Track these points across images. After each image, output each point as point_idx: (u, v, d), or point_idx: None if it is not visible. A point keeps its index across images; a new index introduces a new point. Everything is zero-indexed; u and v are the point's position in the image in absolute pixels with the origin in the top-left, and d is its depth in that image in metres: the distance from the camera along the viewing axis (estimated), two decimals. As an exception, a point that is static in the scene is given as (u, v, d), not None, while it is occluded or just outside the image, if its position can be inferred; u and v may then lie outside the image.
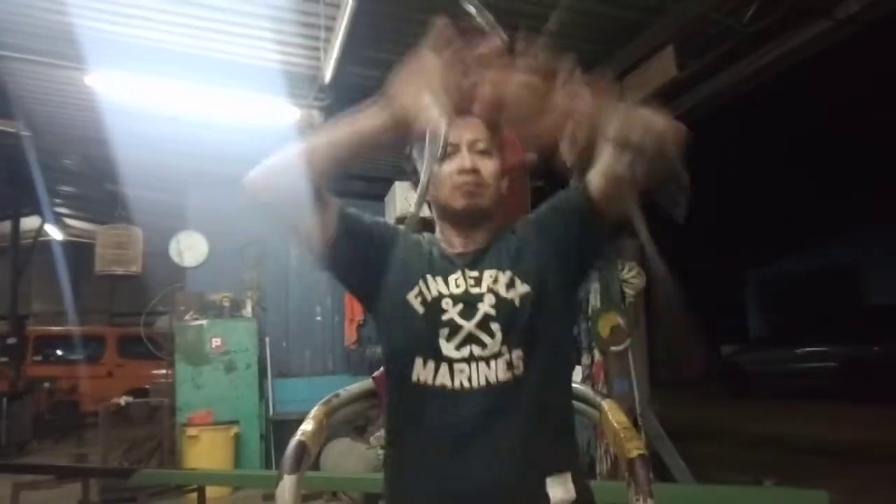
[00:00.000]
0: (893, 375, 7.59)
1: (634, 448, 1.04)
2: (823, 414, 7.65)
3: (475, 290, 1.06)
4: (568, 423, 1.10)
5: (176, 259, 5.76)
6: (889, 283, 10.49)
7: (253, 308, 5.57)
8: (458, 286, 1.07)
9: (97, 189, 6.64)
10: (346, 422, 1.27)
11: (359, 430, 4.60)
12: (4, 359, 8.24)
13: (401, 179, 5.47)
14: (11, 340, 8.34)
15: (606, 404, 1.16)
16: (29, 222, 8.85)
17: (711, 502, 2.48)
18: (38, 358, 10.32)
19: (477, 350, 1.01)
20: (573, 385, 1.22)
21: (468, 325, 1.02)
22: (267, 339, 5.67)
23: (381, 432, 4.47)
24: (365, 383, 1.28)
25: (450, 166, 1.09)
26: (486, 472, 0.98)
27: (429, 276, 1.07)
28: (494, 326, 1.02)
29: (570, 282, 1.13)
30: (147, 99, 4.19)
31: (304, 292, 6.12)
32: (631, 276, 3.43)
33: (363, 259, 1.11)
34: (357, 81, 3.97)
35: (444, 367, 1.01)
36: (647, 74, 3.34)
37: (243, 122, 4.60)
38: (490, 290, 1.05)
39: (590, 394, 1.22)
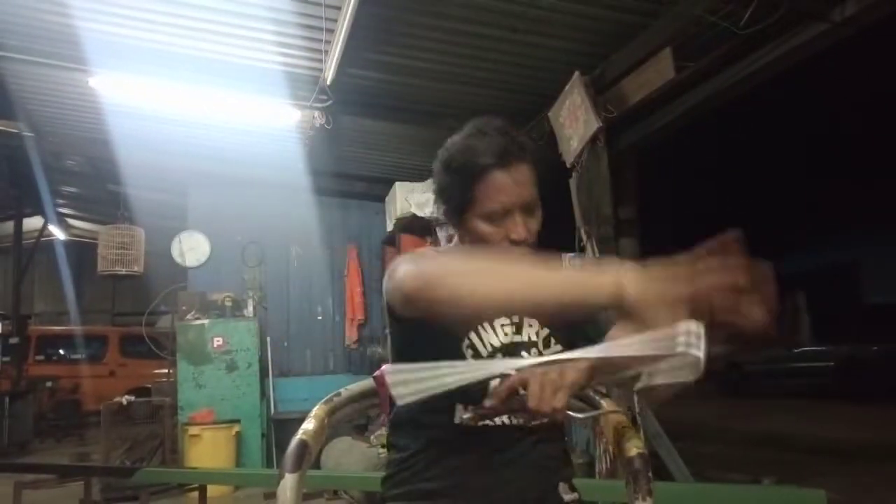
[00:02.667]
0: (892, 375, 7.61)
1: (633, 447, 1.05)
2: (822, 413, 7.66)
3: (518, 339, 1.06)
4: (563, 434, 1.16)
5: (178, 259, 5.79)
6: (888, 283, 10.50)
7: (254, 308, 5.60)
8: (505, 335, 1.06)
9: (99, 189, 6.66)
10: (347, 421, 1.28)
11: (360, 429, 4.63)
12: (7, 358, 8.25)
13: (401, 180, 5.50)
14: (14, 340, 8.36)
15: (605, 403, 1.17)
16: (32, 222, 8.88)
17: (710, 501, 2.49)
18: (41, 357, 10.33)
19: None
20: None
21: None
22: (268, 339, 5.70)
23: (382, 431, 4.50)
24: (366, 382, 1.29)
25: (498, 231, 1.02)
26: (513, 483, 1.02)
27: (479, 326, 1.05)
28: None
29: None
30: (149, 100, 4.20)
31: (304, 292, 6.14)
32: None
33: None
34: (358, 83, 3.99)
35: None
36: (645, 76, 3.35)
37: (245, 124, 4.62)
38: (533, 344, 1.06)
39: (589, 394, 1.22)
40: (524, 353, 1.04)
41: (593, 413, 1.13)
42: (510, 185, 1.01)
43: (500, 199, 1.00)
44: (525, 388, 0.85)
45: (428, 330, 0.92)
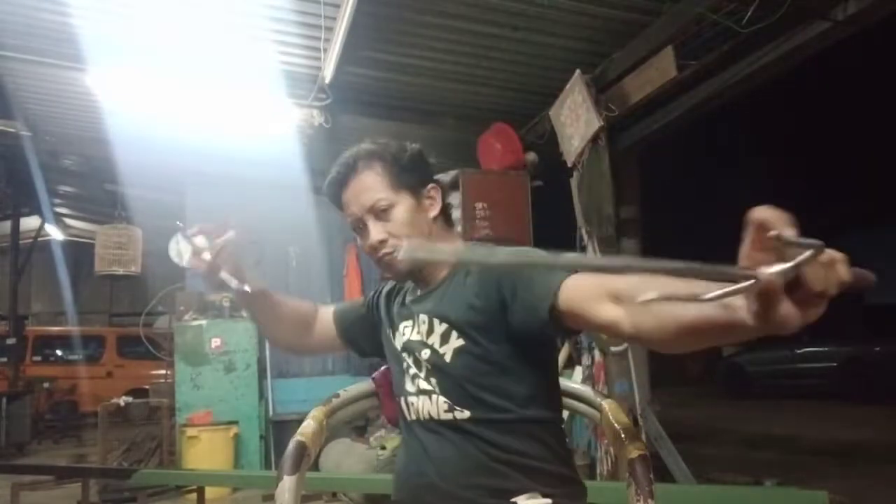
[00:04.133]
0: (894, 375, 7.59)
1: (635, 448, 1.04)
2: (824, 414, 7.65)
3: (415, 338, 1.10)
4: (531, 454, 1.02)
5: (175, 259, 5.71)
6: (889, 283, 10.48)
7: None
8: (403, 334, 1.13)
9: (97, 189, 6.64)
10: (345, 422, 1.28)
11: (359, 431, 4.60)
12: (4, 359, 8.24)
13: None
14: (11, 340, 8.33)
15: (607, 405, 1.16)
16: (29, 222, 8.85)
17: (712, 502, 2.48)
18: (38, 358, 10.32)
19: (424, 385, 1.08)
20: (574, 386, 1.22)
21: (421, 378, 1.08)
22: (266, 340, 5.67)
23: (381, 432, 4.48)
24: (364, 384, 1.28)
25: (365, 243, 1.09)
26: (440, 483, 1.03)
27: (390, 331, 1.17)
28: (433, 381, 1.06)
29: (519, 338, 1.00)
30: (147, 99, 4.19)
31: (304, 292, 6.10)
32: (631, 277, 3.43)
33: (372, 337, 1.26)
34: (357, 82, 3.97)
35: (406, 401, 1.12)
36: (647, 75, 3.34)
37: (243, 123, 4.60)
38: (422, 343, 1.08)
39: (590, 394, 1.22)
40: (420, 355, 1.08)
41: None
42: (349, 197, 1.08)
43: (348, 212, 1.10)
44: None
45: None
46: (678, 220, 9.60)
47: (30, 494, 4.03)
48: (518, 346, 1.01)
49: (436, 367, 1.06)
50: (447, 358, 1.04)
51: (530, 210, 4.18)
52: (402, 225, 1.05)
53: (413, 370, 1.10)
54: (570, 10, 3.24)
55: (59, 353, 10.69)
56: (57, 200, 8.09)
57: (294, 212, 5.98)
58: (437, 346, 1.06)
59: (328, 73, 3.74)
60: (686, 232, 10.37)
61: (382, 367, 1.25)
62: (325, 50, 3.58)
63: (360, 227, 1.09)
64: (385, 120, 4.53)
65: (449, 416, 1.03)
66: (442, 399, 1.04)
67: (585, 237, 3.52)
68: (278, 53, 3.76)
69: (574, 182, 3.69)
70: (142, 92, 4.06)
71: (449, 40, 3.52)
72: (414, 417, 1.09)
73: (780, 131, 7.81)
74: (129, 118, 4.57)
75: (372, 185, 1.06)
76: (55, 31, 3.55)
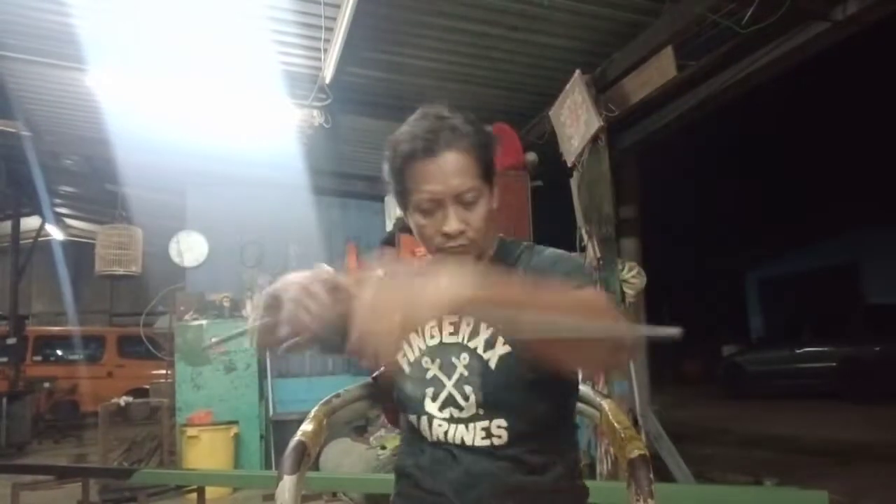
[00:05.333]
0: (894, 375, 7.59)
1: (635, 448, 1.03)
2: (824, 414, 7.65)
3: (450, 340, 1.00)
4: (558, 473, 0.99)
5: (176, 259, 5.77)
6: (889, 283, 10.48)
7: (253, 308, 5.57)
8: (432, 336, 1.02)
9: (97, 189, 6.64)
10: (346, 422, 1.27)
11: (359, 431, 4.61)
12: (4, 359, 8.24)
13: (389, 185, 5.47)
14: (11, 340, 8.33)
15: (607, 405, 1.15)
16: (29, 222, 8.85)
17: (712, 503, 2.48)
18: (38, 358, 10.33)
19: (455, 412, 0.98)
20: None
21: (449, 385, 0.98)
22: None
23: (381, 432, 4.48)
24: (365, 383, 1.28)
25: (432, 225, 0.96)
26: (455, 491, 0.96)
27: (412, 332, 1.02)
28: (468, 390, 0.97)
29: None
30: (147, 99, 4.19)
31: (304, 292, 6.11)
32: (631, 277, 3.43)
33: None
34: (357, 82, 3.98)
35: (432, 423, 1.00)
36: (646, 75, 3.34)
37: (243, 123, 4.60)
38: (464, 346, 0.99)
39: (590, 394, 1.21)
40: (456, 361, 0.99)
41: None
42: (437, 173, 0.93)
43: (427, 188, 0.94)
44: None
45: None
46: (677, 219, 9.60)
47: (30, 494, 4.03)
48: None
49: (474, 374, 0.97)
50: (492, 364, 0.97)
51: (530, 210, 4.18)
52: (480, 219, 0.97)
53: (438, 378, 1.00)
54: (570, 10, 3.25)
55: (59, 353, 10.70)
56: (57, 201, 8.09)
57: (294, 211, 5.99)
58: (480, 350, 0.98)
59: (328, 74, 3.75)
60: (685, 232, 10.39)
61: (383, 367, 1.25)
62: (326, 50, 3.59)
63: (430, 206, 0.95)
64: (385, 120, 4.53)
65: (486, 442, 0.96)
66: (480, 426, 0.96)
67: (585, 237, 3.52)
68: (278, 54, 3.77)
69: (574, 182, 3.69)
70: (143, 92, 4.06)
71: (449, 40, 3.53)
72: (436, 440, 1.00)
73: (780, 131, 7.80)
74: (129, 119, 4.57)
75: (466, 170, 0.95)
76: (56, 31, 3.55)
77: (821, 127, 7.35)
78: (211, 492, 4.11)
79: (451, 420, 0.98)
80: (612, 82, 3.57)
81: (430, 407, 1.00)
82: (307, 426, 1.10)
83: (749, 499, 2.59)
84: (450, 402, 0.98)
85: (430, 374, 1.01)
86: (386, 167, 1.01)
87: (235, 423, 4.90)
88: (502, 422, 0.96)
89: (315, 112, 4.07)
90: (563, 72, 3.61)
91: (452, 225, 0.94)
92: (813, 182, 8.97)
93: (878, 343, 8.28)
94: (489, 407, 0.96)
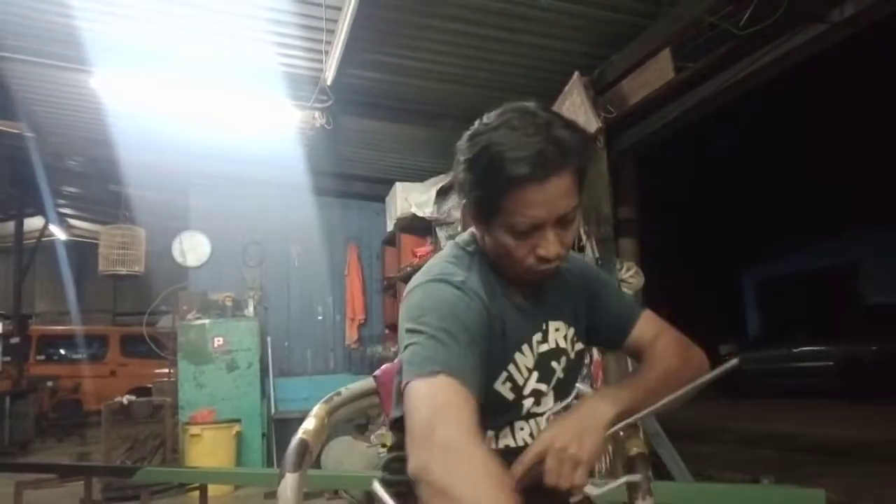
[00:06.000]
0: (890, 374, 7.61)
1: (633, 446, 1.06)
2: (821, 413, 7.66)
3: (545, 348, 1.00)
4: None
5: (179, 259, 5.80)
6: (886, 283, 10.49)
7: (255, 307, 5.61)
8: (541, 344, 1.00)
9: (101, 190, 6.67)
10: (347, 420, 1.28)
11: (360, 429, 4.64)
12: (7, 358, 8.27)
13: (401, 180, 5.50)
14: (15, 340, 8.37)
15: None
16: (33, 223, 8.89)
17: (710, 501, 2.50)
18: (42, 357, 10.36)
19: (537, 409, 1.01)
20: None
21: (548, 391, 1.01)
22: (269, 339, 5.70)
23: (382, 430, 4.51)
24: (366, 382, 1.29)
25: (525, 247, 0.90)
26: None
27: (515, 356, 0.96)
28: (555, 393, 1.02)
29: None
30: (150, 100, 4.21)
31: (305, 292, 6.15)
32: (629, 276, 3.46)
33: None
34: (358, 83, 4.00)
35: (511, 428, 0.99)
36: (644, 77, 3.36)
37: (245, 124, 4.63)
38: (561, 350, 1.02)
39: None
40: (554, 365, 1.01)
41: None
42: (544, 200, 0.86)
43: (531, 214, 0.87)
44: (542, 462, 0.84)
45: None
46: (676, 220, 9.61)
47: (33, 492, 4.04)
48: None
49: (568, 376, 1.02)
50: (576, 363, 1.04)
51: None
52: (570, 238, 0.93)
53: (537, 387, 0.98)
54: (568, 13, 3.26)
55: (62, 352, 10.73)
56: (61, 201, 8.12)
57: (296, 212, 6.03)
58: (570, 352, 1.03)
59: (329, 75, 3.77)
60: (683, 233, 10.39)
61: (384, 366, 1.27)
62: (327, 52, 3.61)
63: (528, 230, 0.88)
64: (386, 121, 4.57)
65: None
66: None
67: (584, 238, 3.55)
68: (280, 55, 3.79)
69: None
70: (146, 94, 4.09)
71: (449, 42, 3.55)
72: (522, 444, 0.97)
73: (778, 132, 7.81)
74: (132, 120, 4.59)
75: (571, 192, 0.88)
76: (60, 33, 3.57)
77: (819, 127, 7.36)
78: (213, 490, 4.12)
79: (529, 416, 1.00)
80: (611, 84, 3.59)
81: (525, 410, 0.99)
82: (309, 424, 1.10)
83: (747, 497, 2.60)
84: (542, 400, 1.02)
85: (528, 390, 0.98)
86: (470, 175, 0.90)
87: (238, 421, 4.92)
88: (561, 405, 1.03)
89: (316, 113, 4.10)
90: (561, 74, 3.63)
91: (553, 249, 0.90)
92: (811, 182, 8.97)
93: (876, 342, 8.30)
94: (560, 395, 1.03)
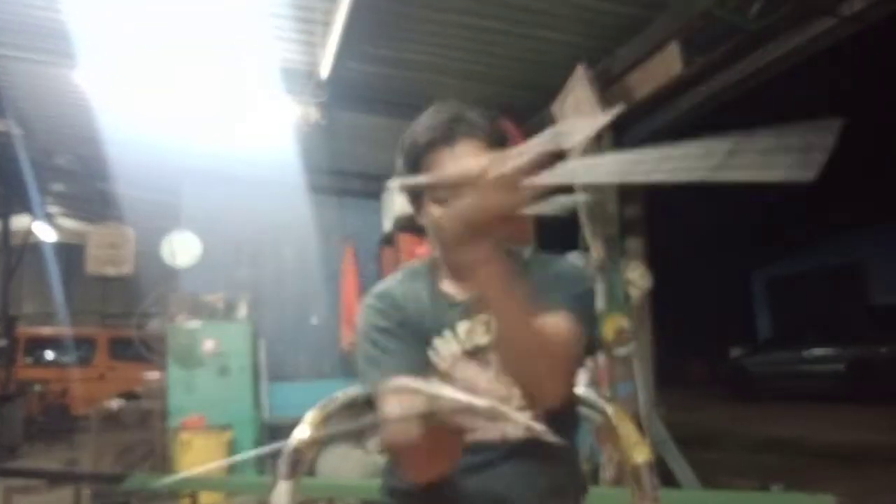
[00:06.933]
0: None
1: (639, 453, 1.04)
2: (831, 416, 7.61)
3: (485, 340, 1.00)
4: (575, 463, 1.09)
5: (168, 259, 5.69)
6: (894, 283, 10.43)
7: (247, 310, 5.50)
8: (466, 338, 1.02)
9: (89, 188, 6.58)
10: (342, 427, 1.24)
11: (356, 436, 4.52)
12: (-5, 361, 8.15)
13: (398, 178, 5.40)
14: (2, 342, 8.24)
15: (611, 409, 1.15)
16: (20, 222, 8.76)
17: (718, 509, 2.41)
18: (29, 360, 10.23)
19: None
20: (577, 390, 1.18)
21: (483, 383, 0.99)
22: (261, 342, 5.59)
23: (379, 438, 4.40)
24: (361, 387, 1.23)
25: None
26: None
27: (436, 339, 1.01)
28: (507, 381, 0.97)
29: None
30: (140, 97, 4.15)
31: (299, 294, 6.05)
32: (636, 277, 3.37)
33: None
34: (355, 77, 3.92)
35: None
36: (652, 71, 3.30)
37: (238, 120, 4.55)
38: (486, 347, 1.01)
39: (594, 398, 1.20)
40: (491, 358, 0.99)
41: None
42: (456, 161, 0.93)
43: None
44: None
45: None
46: (683, 218, 9.54)
47: (22, 498, 4.01)
48: None
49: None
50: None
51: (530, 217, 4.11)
52: None
53: (475, 380, 1.02)
54: (573, 4, 3.21)
55: (50, 355, 10.61)
56: (49, 200, 8.01)
57: (290, 210, 5.92)
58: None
59: (325, 69, 3.69)
60: (691, 230, 10.32)
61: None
62: (322, 46, 3.53)
63: (448, 196, 0.93)
64: (383, 117, 4.48)
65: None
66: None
67: (589, 236, 3.46)
68: (275, 49, 3.71)
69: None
70: (135, 90, 4.03)
71: (449, 35, 3.48)
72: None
73: (789, 125, 7.76)
74: (122, 117, 4.53)
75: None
76: (47, 28, 3.52)
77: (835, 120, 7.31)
78: (205, 497, 4.03)
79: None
80: (617, 78, 3.52)
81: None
82: (303, 431, 1.10)
83: (755, 503, 2.54)
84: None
85: (461, 377, 1.02)
86: (400, 161, 1.02)
87: (229, 427, 4.83)
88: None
89: (312, 109, 4.01)
90: (565, 67, 3.56)
91: None
92: (821, 180, 8.92)
93: (885, 344, 8.25)
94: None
